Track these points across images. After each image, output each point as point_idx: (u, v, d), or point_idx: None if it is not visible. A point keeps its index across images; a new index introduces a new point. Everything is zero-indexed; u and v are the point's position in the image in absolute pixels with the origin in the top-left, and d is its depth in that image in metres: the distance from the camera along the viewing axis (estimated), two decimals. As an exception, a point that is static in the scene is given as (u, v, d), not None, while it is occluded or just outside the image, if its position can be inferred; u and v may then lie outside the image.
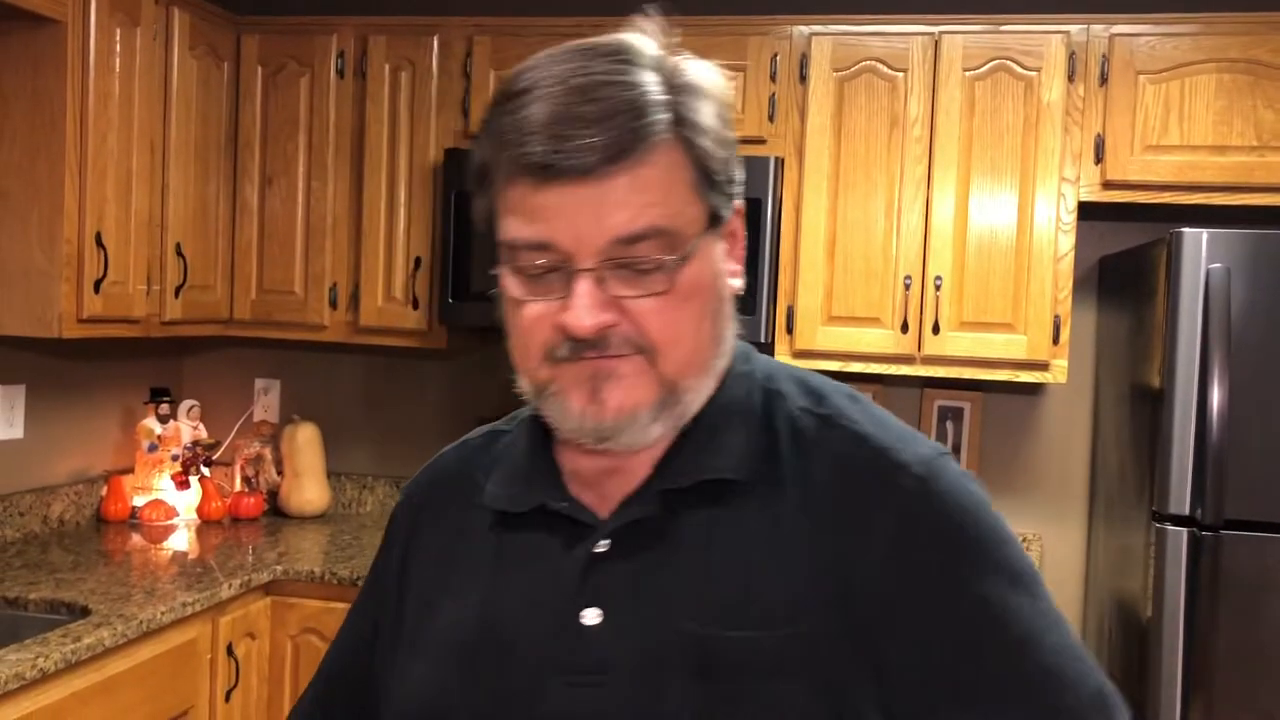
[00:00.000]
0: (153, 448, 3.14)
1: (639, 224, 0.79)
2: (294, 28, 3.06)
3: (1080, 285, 2.93)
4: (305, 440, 3.23)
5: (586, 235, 0.79)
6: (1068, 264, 2.68)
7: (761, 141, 2.79)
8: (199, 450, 3.16)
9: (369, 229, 3.00)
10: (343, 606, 2.63)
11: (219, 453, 3.28)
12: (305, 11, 3.15)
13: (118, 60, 2.58)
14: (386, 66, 2.99)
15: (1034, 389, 3.04)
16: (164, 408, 3.16)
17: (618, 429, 0.83)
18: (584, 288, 0.80)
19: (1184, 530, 2.30)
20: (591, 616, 0.84)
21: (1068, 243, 2.68)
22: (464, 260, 2.86)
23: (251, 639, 2.61)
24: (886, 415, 0.91)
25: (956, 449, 3.02)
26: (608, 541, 0.86)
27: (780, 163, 2.78)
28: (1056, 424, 3.05)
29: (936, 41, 2.72)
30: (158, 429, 3.15)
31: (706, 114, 0.83)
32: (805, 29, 2.79)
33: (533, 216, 0.80)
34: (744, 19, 2.82)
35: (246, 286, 3.09)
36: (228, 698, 2.51)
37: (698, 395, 0.87)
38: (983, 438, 3.04)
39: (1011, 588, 0.83)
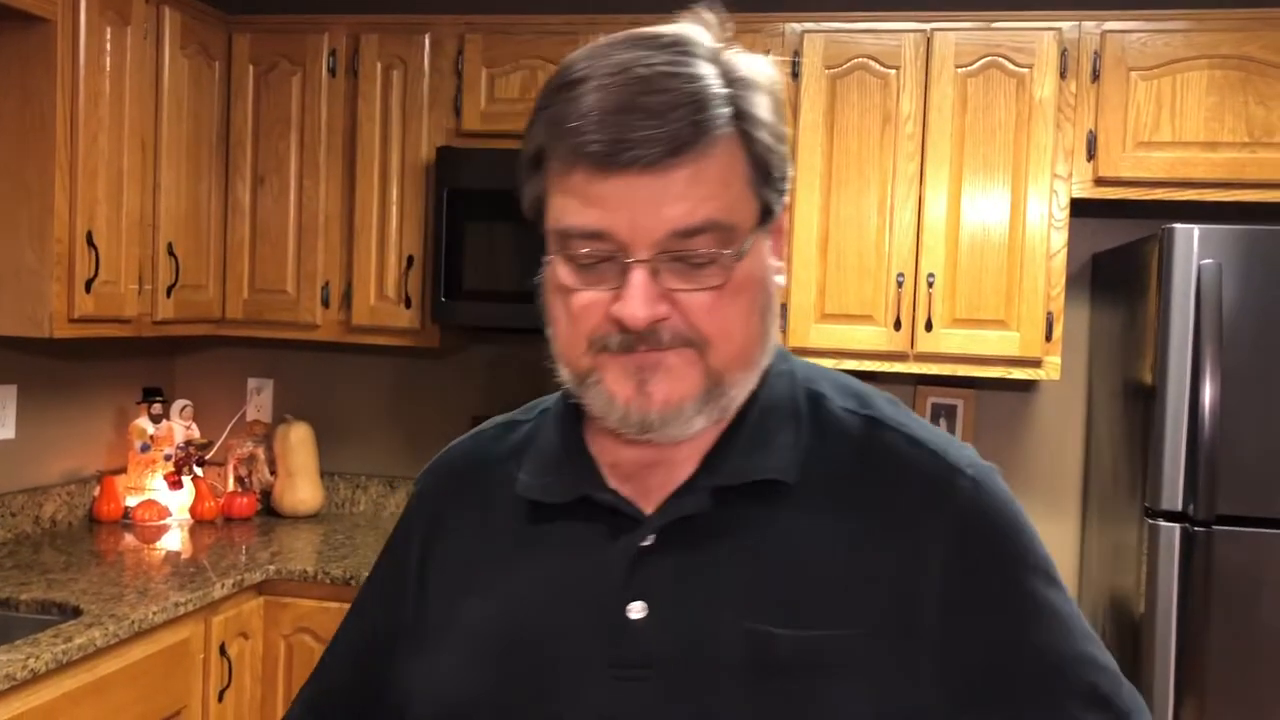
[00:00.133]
0: (145, 448, 3.13)
1: (697, 217, 0.79)
2: (285, 26, 3.06)
3: (1073, 282, 2.94)
4: (298, 440, 3.23)
5: (644, 227, 0.79)
6: (1060, 261, 2.69)
7: (754, 139, 2.78)
8: (192, 450, 3.16)
9: (361, 227, 3.00)
10: (336, 606, 2.64)
11: (212, 452, 3.28)
12: (296, 10, 3.15)
13: (108, 59, 2.58)
14: (378, 65, 2.98)
15: (1027, 386, 3.05)
16: (156, 407, 3.16)
17: (663, 421, 0.83)
18: (639, 279, 0.79)
19: (1176, 526, 2.31)
20: (637, 610, 0.84)
21: (1060, 239, 2.68)
22: (456, 259, 2.86)
23: (244, 639, 2.61)
24: (922, 419, 0.94)
25: (950, 446, 3.02)
26: (653, 536, 0.86)
27: (773, 160, 2.77)
28: (1050, 421, 3.05)
29: (929, 38, 2.72)
30: (150, 429, 3.14)
31: (763, 108, 0.83)
32: (798, 26, 2.79)
33: (590, 205, 0.79)
34: (736, 16, 2.79)
35: (239, 286, 3.08)
36: (220, 698, 2.50)
37: (742, 390, 0.86)
38: (976, 435, 3.04)
39: (1048, 585, 0.87)
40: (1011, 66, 2.69)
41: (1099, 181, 2.68)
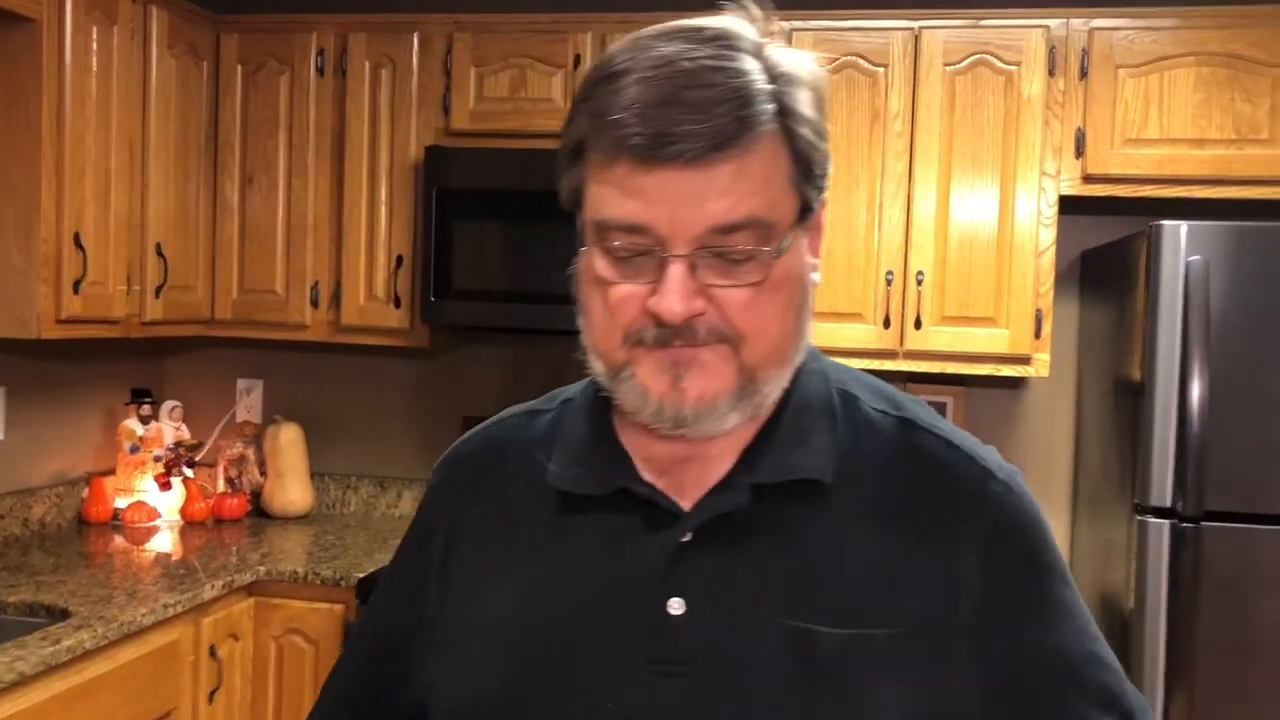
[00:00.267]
0: (135, 449, 3.12)
1: (738, 214, 0.79)
2: (273, 26, 3.05)
3: (1062, 279, 2.94)
4: (288, 440, 3.22)
5: (684, 222, 0.78)
6: (1049, 258, 2.69)
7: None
8: (181, 451, 3.15)
9: (350, 227, 2.99)
10: (326, 607, 2.64)
11: (201, 453, 3.27)
12: (285, 10, 3.14)
13: (95, 59, 2.57)
14: (366, 64, 2.98)
15: (1016, 383, 3.05)
16: (146, 408, 3.15)
17: (697, 417, 0.83)
18: (677, 274, 0.79)
19: (1165, 522, 2.31)
20: (676, 606, 0.84)
21: (1049, 237, 2.69)
22: (445, 258, 2.85)
23: (234, 640, 2.60)
24: (947, 420, 0.95)
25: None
26: (692, 532, 0.86)
27: (762, 158, 2.77)
28: (1039, 418, 3.06)
29: (917, 36, 2.73)
30: (139, 430, 3.13)
31: (806, 104, 0.83)
32: (786, 24, 2.77)
33: (630, 198, 0.79)
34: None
35: (228, 286, 3.07)
36: (211, 699, 2.49)
37: (775, 387, 0.86)
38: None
39: (1065, 588, 0.89)
40: (1000, 64, 2.69)
41: (1087, 179, 2.68)
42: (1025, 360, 2.70)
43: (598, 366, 0.86)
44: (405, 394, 3.35)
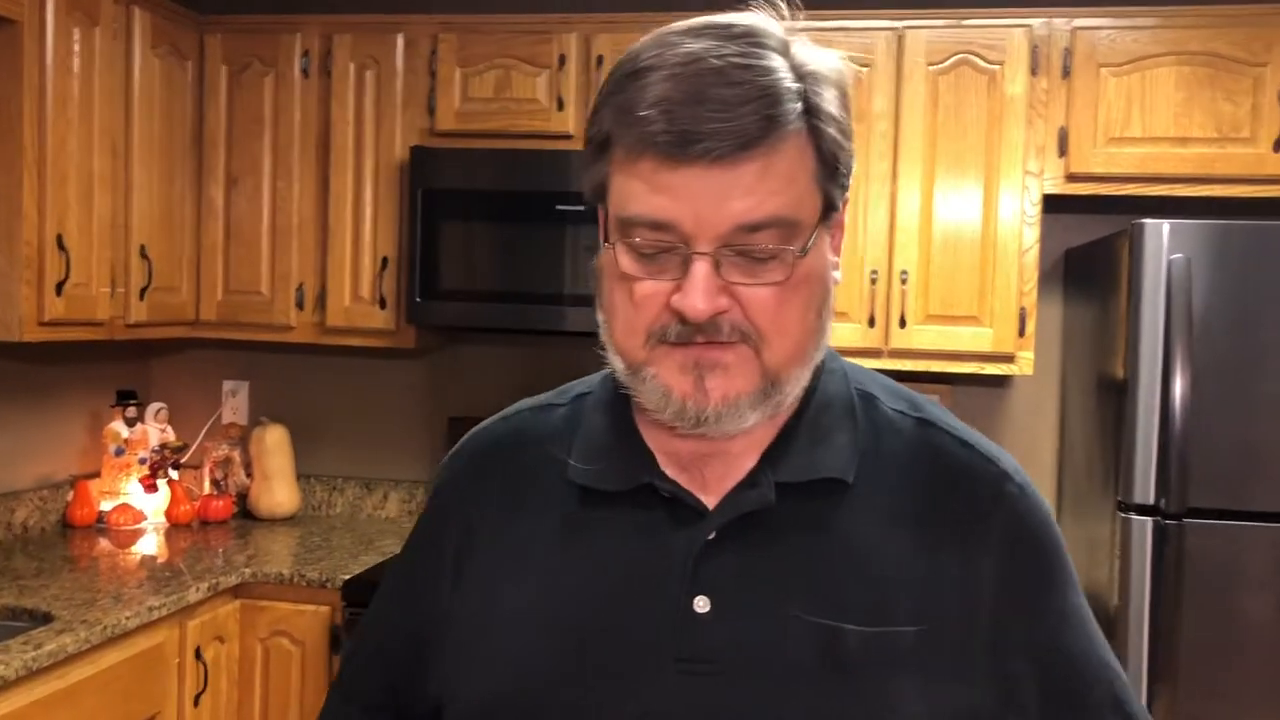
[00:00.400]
0: (120, 451, 3.11)
1: (763, 212, 0.79)
2: (258, 26, 3.04)
3: (1046, 278, 2.95)
4: (274, 442, 3.21)
5: (709, 219, 0.78)
6: (1033, 257, 2.70)
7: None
8: (167, 453, 3.14)
9: (335, 228, 2.98)
10: (312, 609, 2.64)
11: (187, 455, 3.26)
12: (269, 10, 3.13)
13: (76, 60, 2.56)
14: (351, 65, 2.97)
15: (1000, 381, 3.06)
16: (131, 410, 3.14)
17: (718, 417, 0.83)
18: (701, 271, 0.79)
19: (1148, 519, 2.32)
20: (702, 604, 0.84)
21: (1032, 235, 2.70)
22: (431, 259, 2.85)
23: (220, 642, 2.59)
24: (962, 422, 0.97)
25: (926, 442, 3.03)
26: (716, 530, 0.86)
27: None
28: (1023, 416, 3.07)
29: (900, 37, 2.73)
30: (125, 432, 3.12)
31: (832, 103, 0.83)
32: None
33: (655, 194, 0.79)
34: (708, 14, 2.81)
35: (212, 287, 3.06)
36: (196, 702, 2.49)
37: (796, 386, 0.86)
38: (951, 430, 3.05)
39: (1075, 593, 0.92)
40: (983, 64, 2.70)
41: (1071, 177, 2.69)
42: (1009, 359, 2.71)
43: (617, 363, 0.86)
44: (391, 395, 3.34)
